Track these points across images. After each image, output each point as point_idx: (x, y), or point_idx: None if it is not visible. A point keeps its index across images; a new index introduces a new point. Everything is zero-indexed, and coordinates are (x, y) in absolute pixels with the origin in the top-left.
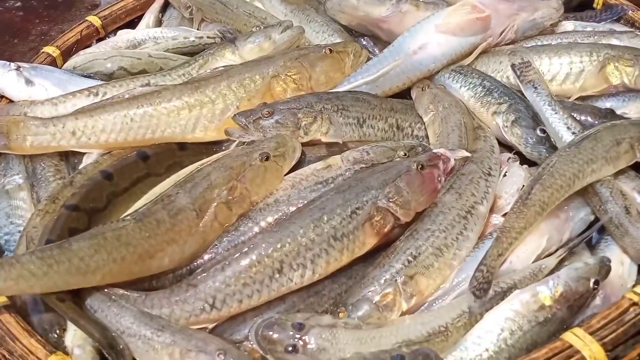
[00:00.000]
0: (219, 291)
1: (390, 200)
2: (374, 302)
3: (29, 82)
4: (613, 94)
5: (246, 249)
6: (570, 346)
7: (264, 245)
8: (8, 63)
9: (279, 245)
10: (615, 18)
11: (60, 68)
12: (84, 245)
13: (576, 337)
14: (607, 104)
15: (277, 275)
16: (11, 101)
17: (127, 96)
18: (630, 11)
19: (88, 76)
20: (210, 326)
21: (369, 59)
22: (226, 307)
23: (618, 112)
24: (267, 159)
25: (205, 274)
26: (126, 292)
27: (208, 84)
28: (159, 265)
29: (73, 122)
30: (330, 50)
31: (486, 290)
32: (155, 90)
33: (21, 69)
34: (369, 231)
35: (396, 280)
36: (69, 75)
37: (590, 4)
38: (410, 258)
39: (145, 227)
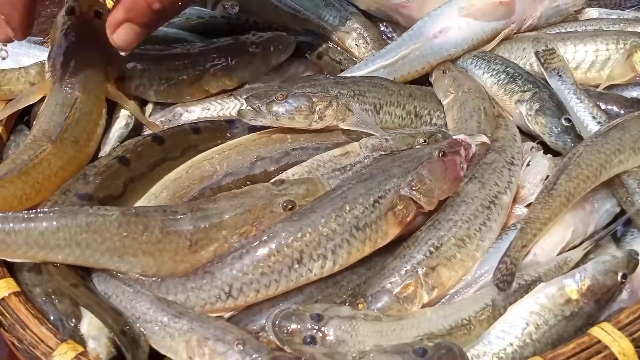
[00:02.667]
0: (236, 279)
1: (413, 188)
2: (394, 293)
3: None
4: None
5: (265, 238)
6: (599, 341)
7: (283, 234)
8: None
9: (299, 235)
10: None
11: None
12: (49, 217)
13: (605, 333)
14: (633, 93)
15: (297, 266)
16: None
17: None
18: None
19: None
20: (226, 315)
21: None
22: (243, 296)
23: None
24: (292, 208)
25: (222, 262)
26: (141, 277)
27: None
28: (125, 268)
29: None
30: None
31: (510, 283)
32: None
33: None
34: (392, 220)
35: (417, 271)
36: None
37: None
38: (432, 249)
39: (128, 226)
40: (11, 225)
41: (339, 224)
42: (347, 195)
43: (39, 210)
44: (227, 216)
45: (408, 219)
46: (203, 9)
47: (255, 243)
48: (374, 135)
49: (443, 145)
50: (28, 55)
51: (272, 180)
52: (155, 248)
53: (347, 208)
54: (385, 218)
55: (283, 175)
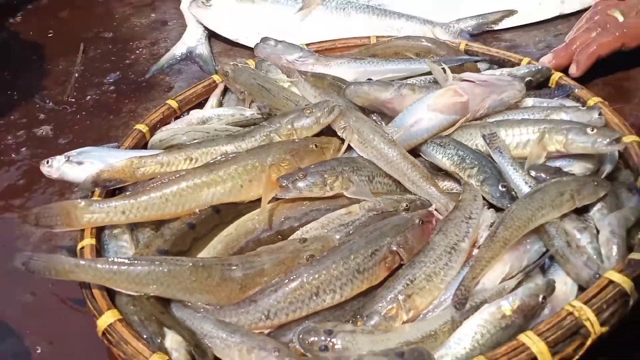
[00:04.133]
0: (272, 306)
1: (400, 246)
2: (382, 314)
3: (80, 163)
4: (562, 157)
5: (293, 277)
6: (523, 344)
7: (305, 274)
8: (58, 157)
9: (317, 275)
10: (565, 95)
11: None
12: (142, 265)
13: (527, 338)
14: (556, 163)
15: (315, 297)
16: (75, 184)
17: (161, 182)
18: (577, 89)
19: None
20: (266, 332)
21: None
22: (277, 319)
23: (565, 169)
24: (312, 256)
25: (262, 294)
26: (206, 306)
27: (220, 167)
28: (194, 300)
29: (121, 202)
30: (316, 146)
31: (464, 304)
32: (181, 175)
33: (70, 157)
34: (383, 267)
35: (398, 298)
36: (106, 150)
37: (546, 83)
38: (408, 282)
39: (195, 274)
40: (116, 267)
41: (345, 269)
42: (352, 247)
43: (135, 258)
44: (267, 266)
45: (394, 267)
46: (243, 107)
47: (286, 280)
48: (368, 200)
49: (422, 215)
50: (109, 155)
51: (297, 238)
52: (215, 289)
53: (352, 257)
54: (378, 265)
55: (304, 229)
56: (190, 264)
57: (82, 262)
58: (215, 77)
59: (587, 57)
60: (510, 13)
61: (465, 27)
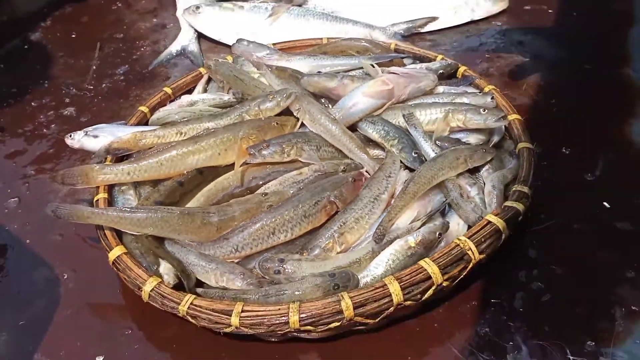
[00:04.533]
0: (240, 242)
1: (337, 197)
2: (322, 247)
3: (95, 136)
4: (462, 131)
5: (256, 220)
6: (422, 267)
7: (265, 219)
8: (79, 132)
9: (273, 219)
10: (469, 83)
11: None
12: (142, 212)
13: (425, 262)
14: (457, 136)
15: (272, 236)
16: (92, 153)
17: (157, 150)
18: (476, 79)
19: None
20: (235, 261)
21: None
22: (244, 251)
23: (463, 140)
24: (271, 206)
25: (232, 233)
26: (190, 243)
27: (203, 139)
28: (181, 238)
29: (127, 166)
30: (277, 123)
31: (382, 239)
32: (172, 145)
33: (88, 132)
34: (323, 213)
35: (334, 235)
36: (116, 126)
37: (455, 75)
38: (341, 224)
39: (182, 219)
40: (122, 214)
41: (295, 214)
42: (300, 199)
43: (136, 207)
44: (237, 214)
45: (332, 213)
46: (222, 93)
47: (251, 223)
48: (316, 163)
49: (355, 175)
50: (118, 130)
51: (260, 192)
52: (197, 231)
53: (300, 206)
54: (320, 212)
55: (266, 186)
56: (178, 212)
57: (97, 210)
58: (202, 70)
59: None
60: (433, 19)
61: (398, 30)
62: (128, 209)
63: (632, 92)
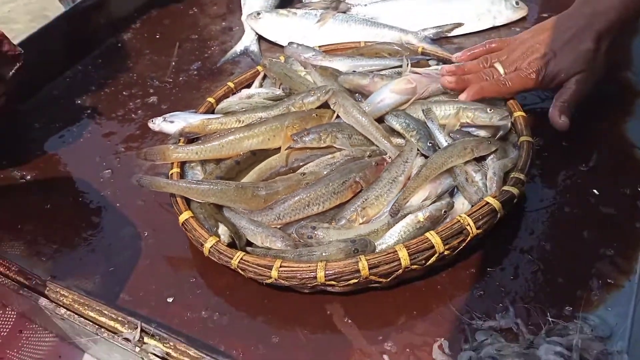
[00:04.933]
0: (282, 211)
1: (361, 178)
2: (347, 218)
3: (171, 122)
4: (473, 126)
5: (295, 195)
6: (427, 238)
7: (302, 194)
8: (159, 118)
9: (309, 194)
10: None
11: (203, 112)
12: (206, 184)
13: (430, 234)
14: (469, 129)
15: (307, 207)
16: (169, 135)
17: (220, 135)
18: None
19: (203, 113)
20: (278, 227)
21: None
22: (284, 219)
23: (474, 133)
24: (308, 184)
25: (276, 204)
26: (244, 211)
27: (256, 127)
28: (235, 206)
29: (195, 147)
30: (317, 115)
31: (397, 214)
32: (232, 131)
33: (166, 118)
34: (349, 191)
35: (357, 209)
36: (188, 114)
37: None
38: (363, 200)
39: (237, 192)
40: (190, 185)
41: (326, 191)
42: (331, 178)
43: (202, 180)
44: (280, 189)
45: (357, 191)
46: (275, 88)
47: (290, 197)
48: (347, 149)
49: (378, 160)
50: (190, 117)
51: (300, 172)
52: (249, 201)
53: (330, 184)
54: (347, 189)
55: (305, 167)
56: (234, 186)
57: (170, 181)
58: (259, 67)
59: (475, 94)
60: (459, 25)
61: (428, 34)
62: (195, 182)
63: (630, 93)
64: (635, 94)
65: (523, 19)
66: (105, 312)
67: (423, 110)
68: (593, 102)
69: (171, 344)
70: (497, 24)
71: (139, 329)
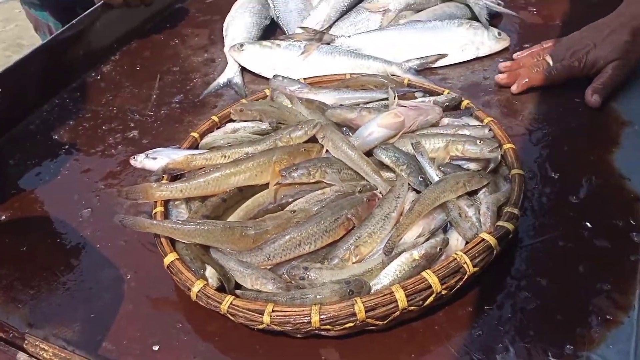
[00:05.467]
0: (272, 251)
1: (353, 215)
2: (339, 257)
3: (154, 158)
4: (463, 159)
5: (285, 234)
6: (423, 277)
7: (293, 232)
8: (141, 154)
9: (300, 233)
10: (469, 114)
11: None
12: (192, 225)
13: (426, 274)
14: (459, 162)
15: (298, 247)
16: (151, 172)
17: (205, 171)
18: (476, 111)
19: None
20: (268, 268)
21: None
22: (275, 259)
23: (464, 166)
24: (298, 222)
25: (266, 244)
26: (231, 252)
27: (242, 163)
28: (222, 247)
29: (180, 184)
30: (305, 149)
31: (390, 252)
32: (217, 167)
33: (148, 154)
34: (341, 228)
35: (350, 248)
36: (171, 149)
37: (459, 106)
38: (356, 238)
39: (224, 232)
40: (175, 225)
41: (318, 229)
42: (322, 216)
43: (187, 220)
44: (269, 227)
45: (349, 228)
46: (261, 122)
47: (280, 236)
48: (337, 184)
49: (369, 195)
50: (173, 153)
51: (290, 210)
52: (236, 241)
53: (322, 222)
54: (339, 227)
55: (294, 203)
56: (221, 225)
57: (155, 221)
58: (244, 101)
59: (523, 85)
60: (443, 56)
61: (412, 65)
62: (180, 222)
63: (616, 123)
64: (621, 124)
65: (506, 49)
66: None
67: (412, 144)
68: (581, 132)
69: None
70: (480, 54)
71: None
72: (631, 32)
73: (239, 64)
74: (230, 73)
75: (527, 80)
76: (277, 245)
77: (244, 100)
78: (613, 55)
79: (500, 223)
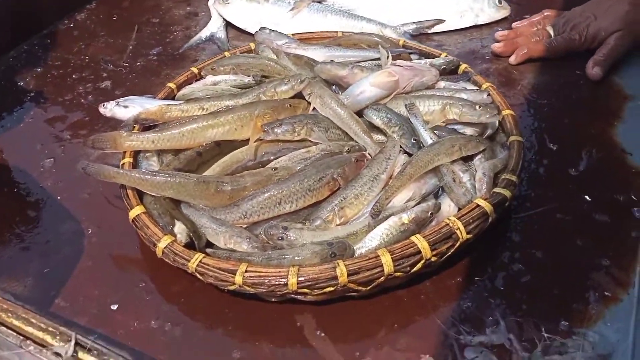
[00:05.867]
0: (250, 208)
1: (340, 175)
2: (322, 218)
3: (125, 107)
4: (460, 123)
5: (265, 190)
6: (412, 242)
7: (273, 189)
8: (111, 102)
9: (280, 190)
10: (467, 79)
11: (164, 97)
12: (162, 176)
13: (416, 238)
14: (455, 127)
15: (279, 205)
16: (122, 121)
17: (180, 122)
18: (474, 76)
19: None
20: (245, 226)
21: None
22: (252, 217)
23: (460, 131)
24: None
25: (242, 200)
26: (205, 207)
27: (222, 115)
28: (195, 203)
29: (152, 134)
30: (290, 105)
31: (377, 215)
32: (194, 119)
33: (119, 102)
34: (326, 188)
35: (334, 209)
36: (145, 98)
37: (456, 71)
38: (342, 199)
39: (198, 185)
40: (144, 176)
41: (300, 187)
42: (306, 174)
43: (158, 171)
44: (248, 184)
45: (334, 189)
46: (244, 76)
47: (260, 192)
48: (323, 143)
49: (358, 155)
50: (146, 102)
51: (271, 167)
52: (211, 197)
53: (305, 180)
54: (324, 187)
55: (276, 161)
56: (195, 179)
57: (121, 170)
58: (226, 54)
59: (522, 55)
60: (440, 21)
61: (407, 29)
62: (150, 172)
63: (618, 96)
64: (623, 98)
65: (505, 19)
66: (33, 320)
67: (406, 105)
68: (581, 104)
69: None
70: (479, 22)
71: (73, 342)
72: (632, 2)
73: (224, 18)
74: (214, 27)
75: (526, 50)
76: (255, 202)
77: (227, 53)
78: (615, 26)
79: (496, 190)
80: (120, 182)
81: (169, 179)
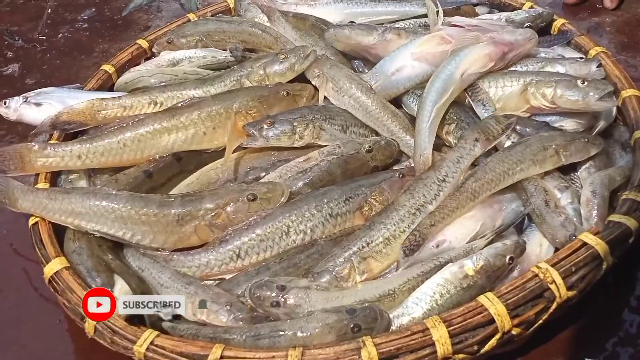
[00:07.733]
0: (244, 244)
1: (375, 196)
2: (333, 273)
3: (38, 105)
4: (553, 113)
5: (264, 215)
6: (481, 305)
7: (276, 214)
8: (16, 98)
9: (287, 215)
10: (566, 42)
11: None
12: (77, 194)
13: (487, 299)
14: (547, 118)
15: (284, 236)
16: (34, 126)
17: (120, 126)
18: (577, 36)
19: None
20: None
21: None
22: (248, 258)
23: (555, 125)
24: (254, 199)
25: (233, 233)
26: (167, 254)
27: (183, 113)
28: (129, 235)
29: (78, 146)
30: (287, 93)
31: (414, 251)
32: (141, 120)
33: (28, 98)
34: (357, 215)
35: (352, 259)
36: (67, 91)
37: (548, 30)
38: (364, 244)
39: (132, 201)
40: (53, 195)
41: (317, 211)
42: (326, 193)
43: (73, 188)
44: (205, 202)
45: (372, 214)
46: (217, 50)
47: (257, 220)
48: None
49: (404, 170)
50: (69, 97)
51: (247, 180)
52: (152, 220)
53: (325, 201)
54: (352, 213)
55: (264, 179)
56: (127, 194)
57: (31, 189)
58: (191, 16)
59: None
60: None
61: None
62: (61, 189)
63: None
64: None
65: None
66: None
67: (466, 89)
68: None
69: None
70: None
71: None
72: None
73: None
74: None
75: None
76: (252, 233)
77: (192, 16)
78: None
79: (613, 217)
80: (27, 211)
81: (87, 197)
